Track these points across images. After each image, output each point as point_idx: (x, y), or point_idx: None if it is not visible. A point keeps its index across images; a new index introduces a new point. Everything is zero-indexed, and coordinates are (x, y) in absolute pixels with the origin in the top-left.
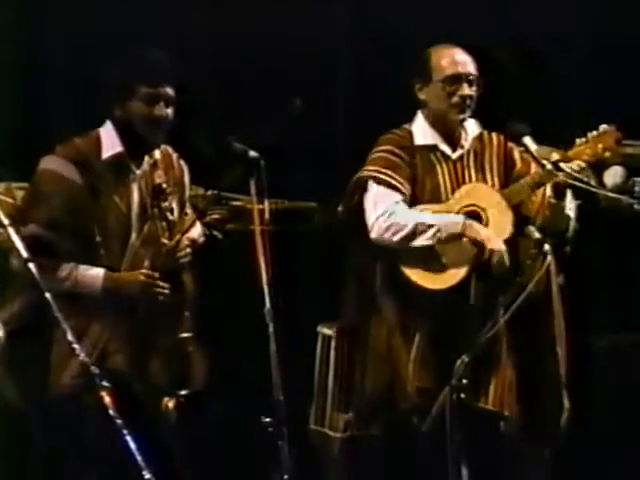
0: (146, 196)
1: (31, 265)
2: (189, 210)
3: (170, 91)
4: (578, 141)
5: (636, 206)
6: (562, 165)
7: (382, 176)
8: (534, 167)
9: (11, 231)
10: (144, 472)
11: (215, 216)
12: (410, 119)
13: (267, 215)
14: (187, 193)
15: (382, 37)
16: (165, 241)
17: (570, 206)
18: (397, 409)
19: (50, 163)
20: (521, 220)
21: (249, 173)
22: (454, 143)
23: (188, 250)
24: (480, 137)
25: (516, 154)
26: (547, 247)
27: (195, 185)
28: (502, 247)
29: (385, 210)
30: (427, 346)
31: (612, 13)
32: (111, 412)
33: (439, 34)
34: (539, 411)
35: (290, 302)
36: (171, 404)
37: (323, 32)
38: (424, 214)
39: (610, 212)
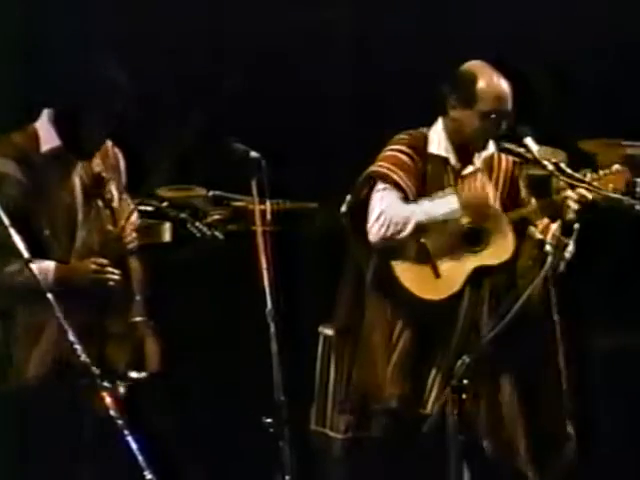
0: (88, 185)
1: (32, 265)
2: (125, 195)
3: (123, 107)
4: (589, 176)
5: (637, 207)
6: (562, 166)
7: (391, 174)
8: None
9: (12, 231)
10: (145, 472)
11: (216, 217)
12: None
13: (268, 216)
14: (124, 179)
15: (383, 37)
16: (110, 227)
17: (569, 249)
18: (370, 409)
19: None
20: (521, 222)
21: (250, 173)
22: (465, 159)
23: (134, 235)
24: (491, 157)
25: (521, 183)
26: (548, 248)
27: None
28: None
29: (383, 210)
30: (409, 353)
31: (611, 13)
32: (112, 413)
33: (440, 33)
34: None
35: (292, 302)
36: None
37: (323, 32)
38: (420, 209)
39: (611, 213)
